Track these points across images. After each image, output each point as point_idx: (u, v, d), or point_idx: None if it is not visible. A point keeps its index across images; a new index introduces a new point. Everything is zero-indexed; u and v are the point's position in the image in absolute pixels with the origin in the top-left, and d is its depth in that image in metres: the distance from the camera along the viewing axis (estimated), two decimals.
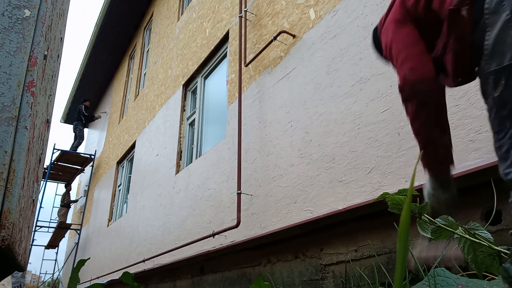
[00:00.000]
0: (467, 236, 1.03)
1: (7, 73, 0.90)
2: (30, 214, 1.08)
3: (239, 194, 3.56)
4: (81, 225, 11.25)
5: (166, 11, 7.99)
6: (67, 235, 12.70)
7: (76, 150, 12.23)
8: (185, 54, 6.21)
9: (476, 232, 1.04)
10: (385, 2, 2.63)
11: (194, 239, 4.29)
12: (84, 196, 11.76)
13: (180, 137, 5.71)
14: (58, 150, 11.79)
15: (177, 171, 5.48)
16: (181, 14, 7.19)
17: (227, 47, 4.98)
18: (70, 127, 13.19)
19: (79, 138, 12.24)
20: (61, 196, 12.11)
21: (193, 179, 4.83)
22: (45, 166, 11.23)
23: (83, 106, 12.12)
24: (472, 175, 1.86)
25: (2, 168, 0.84)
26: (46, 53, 1.03)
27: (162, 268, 5.19)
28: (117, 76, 11.67)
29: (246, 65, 4.12)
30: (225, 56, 5.11)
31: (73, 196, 12.79)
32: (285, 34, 3.61)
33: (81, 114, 11.99)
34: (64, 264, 12.61)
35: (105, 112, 12.14)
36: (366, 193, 2.43)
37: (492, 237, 1.03)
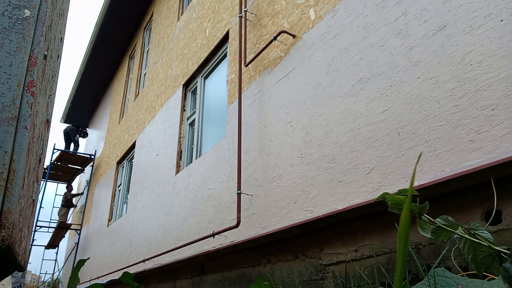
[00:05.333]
0: (467, 236, 1.03)
1: (7, 73, 0.90)
2: (30, 214, 1.08)
3: (239, 194, 3.56)
4: (81, 225, 11.25)
5: (166, 11, 8.00)
6: (67, 235, 12.70)
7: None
8: (185, 54, 6.21)
9: (476, 232, 1.04)
10: (385, 2, 2.63)
11: (194, 239, 4.29)
12: (87, 185, 11.74)
13: (180, 137, 5.71)
14: (58, 150, 11.80)
15: (177, 171, 5.48)
16: (181, 14, 7.19)
17: (227, 47, 4.98)
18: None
19: (75, 147, 12.30)
20: (62, 196, 12.11)
21: (193, 179, 4.83)
22: (45, 166, 11.23)
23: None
24: (472, 175, 1.86)
25: (2, 168, 0.84)
26: (46, 53, 1.03)
27: (162, 268, 5.19)
28: (117, 76, 11.67)
29: (246, 65, 4.12)
30: (225, 56, 5.11)
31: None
32: (285, 34, 3.61)
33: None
34: (64, 264, 12.61)
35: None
36: (366, 193, 2.43)
37: (492, 237, 1.03)
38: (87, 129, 12.78)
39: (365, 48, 2.70)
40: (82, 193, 12.41)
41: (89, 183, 11.54)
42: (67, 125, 13.20)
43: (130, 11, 9.79)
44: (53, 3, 1.08)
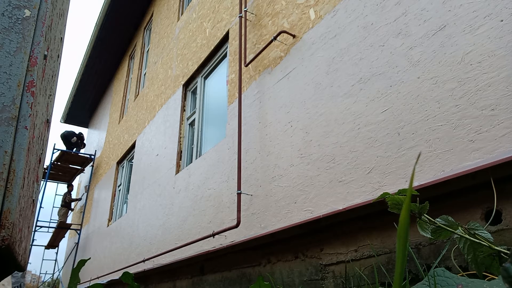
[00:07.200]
0: (467, 236, 1.03)
1: (7, 73, 0.90)
2: (30, 214, 1.08)
3: (239, 194, 3.56)
4: (81, 225, 11.25)
5: (166, 11, 8.00)
6: (67, 235, 12.70)
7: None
8: (185, 54, 6.21)
9: (476, 232, 1.04)
10: (385, 2, 2.63)
11: (194, 239, 4.29)
12: (86, 192, 11.75)
13: (180, 137, 5.71)
14: (58, 150, 11.80)
15: (177, 171, 5.48)
16: (181, 14, 7.19)
17: (227, 47, 4.98)
18: (70, 127, 13.19)
19: (77, 149, 12.35)
20: (62, 196, 12.12)
21: (193, 179, 4.83)
22: (45, 166, 11.24)
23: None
24: (472, 175, 1.86)
25: (2, 168, 0.84)
26: (46, 53, 1.03)
27: (162, 268, 5.19)
28: (117, 76, 11.67)
29: (246, 65, 4.12)
30: (225, 56, 5.11)
31: (73, 196, 12.79)
32: (285, 34, 3.61)
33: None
34: (64, 264, 12.61)
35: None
36: (366, 193, 2.43)
37: (492, 237, 1.03)
38: (82, 134, 12.72)
39: (365, 48, 2.70)
40: (80, 199, 12.44)
41: (88, 189, 11.53)
42: (67, 125, 13.21)
43: (130, 11, 9.78)
44: (53, 3, 1.08)
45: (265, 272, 3.33)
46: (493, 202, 1.73)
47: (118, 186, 8.93)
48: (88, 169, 12.29)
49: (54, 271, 12.55)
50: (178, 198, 5.16)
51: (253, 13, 4.34)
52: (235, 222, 3.55)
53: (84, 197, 12.05)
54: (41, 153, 1.19)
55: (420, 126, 2.19)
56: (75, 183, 13.75)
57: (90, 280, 8.68)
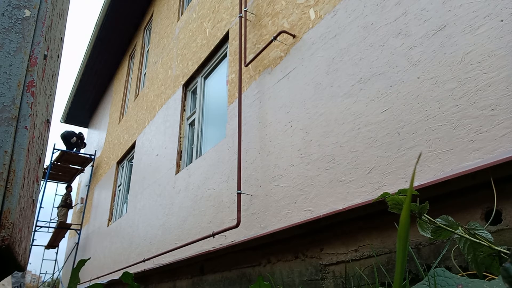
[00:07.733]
0: (467, 236, 1.03)
1: (7, 73, 0.90)
2: (30, 214, 1.08)
3: (239, 194, 3.56)
4: (81, 225, 11.25)
5: (166, 11, 8.00)
6: (67, 235, 12.70)
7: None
8: (185, 54, 6.21)
9: (476, 232, 1.04)
10: (385, 2, 2.63)
11: (194, 239, 4.29)
12: (82, 204, 11.83)
13: (180, 137, 5.71)
14: (58, 150, 11.80)
15: (177, 171, 5.48)
16: (181, 14, 7.19)
17: (227, 47, 4.98)
18: (70, 127, 13.19)
19: (77, 149, 12.36)
20: (61, 197, 12.13)
21: (193, 179, 4.83)
22: (45, 166, 11.24)
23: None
24: (472, 175, 1.86)
25: (2, 168, 0.84)
26: (46, 53, 1.03)
27: (162, 268, 5.19)
28: (117, 76, 11.67)
29: (246, 65, 4.12)
30: (225, 56, 5.11)
31: (72, 198, 12.81)
32: (285, 34, 3.61)
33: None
34: (64, 264, 12.61)
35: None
36: (366, 193, 2.43)
37: (492, 237, 1.03)
38: (82, 134, 12.71)
39: (365, 48, 2.70)
40: (72, 208, 12.50)
41: (85, 200, 11.59)
42: (67, 125, 13.22)
43: (130, 11, 9.79)
44: (53, 3, 1.08)
45: (265, 272, 3.33)
46: (493, 202, 1.73)
47: (118, 186, 8.93)
48: (88, 169, 12.30)
49: (54, 271, 12.56)
50: (178, 198, 5.16)
51: (253, 13, 4.34)
52: (235, 222, 3.55)
53: (77, 207, 12.19)
54: (41, 153, 1.19)
55: (420, 126, 2.19)
56: (75, 183, 13.77)
57: (90, 280, 8.68)
